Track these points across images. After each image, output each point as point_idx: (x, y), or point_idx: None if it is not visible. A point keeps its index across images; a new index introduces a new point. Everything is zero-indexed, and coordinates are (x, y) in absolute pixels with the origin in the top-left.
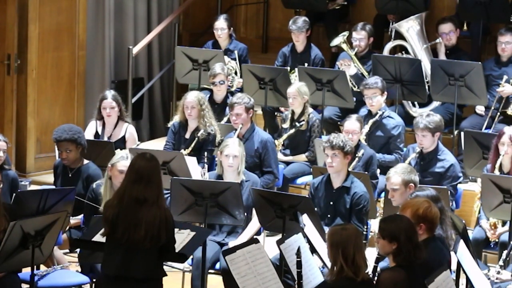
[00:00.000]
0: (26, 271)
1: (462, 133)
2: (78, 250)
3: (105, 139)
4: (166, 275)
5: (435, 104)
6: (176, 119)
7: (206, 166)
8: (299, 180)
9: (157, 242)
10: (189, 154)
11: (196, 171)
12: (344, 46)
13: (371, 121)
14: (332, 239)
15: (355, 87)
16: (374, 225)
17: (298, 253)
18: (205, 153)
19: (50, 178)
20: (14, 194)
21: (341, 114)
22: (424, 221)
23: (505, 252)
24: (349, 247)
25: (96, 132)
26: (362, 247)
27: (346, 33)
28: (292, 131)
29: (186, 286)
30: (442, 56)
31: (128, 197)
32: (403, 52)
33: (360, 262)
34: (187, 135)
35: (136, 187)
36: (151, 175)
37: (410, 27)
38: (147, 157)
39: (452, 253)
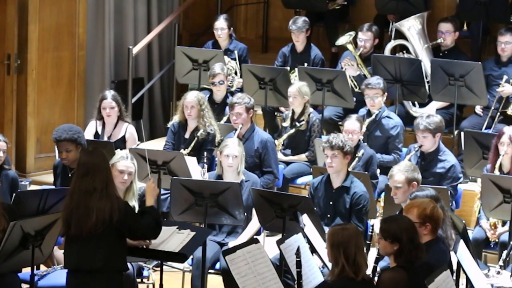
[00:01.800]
0: (26, 271)
1: (462, 133)
2: None
3: (105, 139)
4: (128, 269)
5: (435, 104)
6: (175, 119)
7: (206, 166)
8: (299, 180)
9: (109, 224)
10: (189, 154)
11: (196, 171)
12: (350, 46)
13: (367, 121)
14: (333, 239)
15: (356, 87)
16: (376, 225)
17: (298, 253)
18: (205, 153)
19: (50, 178)
20: (14, 194)
21: (341, 114)
22: (430, 221)
23: (505, 252)
24: (351, 247)
25: (96, 132)
26: (362, 246)
27: (352, 33)
28: (292, 131)
29: (186, 286)
30: None
31: (78, 192)
32: (404, 51)
33: (361, 262)
34: (187, 135)
35: (85, 180)
36: (96, 166)
37: (411, 26)
38: (90, 150)
39: (452, 253)
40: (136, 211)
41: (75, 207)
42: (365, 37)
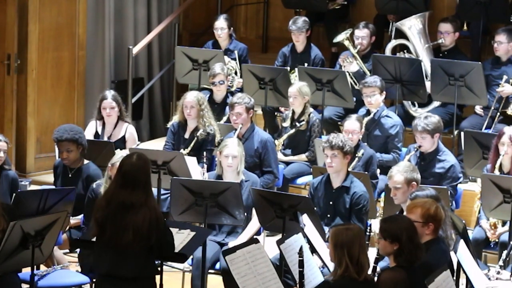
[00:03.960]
0: (26, 271)
1: (462, 133)
2: (78, 250)
3: (105, 139)
4: (159, 273)
5: (435, 104)
6: (175, 119)
7: (205, 166)
8: (299, 180)
9: (147, 243)
10: (189, 154)
11: (196, 171)
12: (347, 43)
13: (365, 120)
14: (336, 240)
15: (356, 84)
16: (374, 225)
17: (300, 252)
18: (205, 153)
19: (50, 178)
20: (14, 194)
21: (341, 114)
22: (433, 221)
23: (505, 252)
24: (355, 247)
25: (96, 132)
26: (365, 246)
27: (349, 30)
28: (292, 131)
29: (186, 286)
30: None
31: (115, 200)
32: (405, 51)
33: (364, 262)
34: (187, 135)
35: (123, 191)
36: (136, 179)
37: (412, 25)
38: (133, 159)
39: (452, 253)
40: None
41: (112, 215)
42: (362, 34)
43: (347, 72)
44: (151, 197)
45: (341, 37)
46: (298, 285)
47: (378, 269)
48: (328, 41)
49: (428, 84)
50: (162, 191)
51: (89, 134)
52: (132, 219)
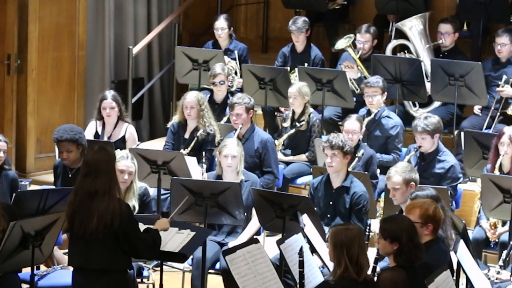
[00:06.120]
0: (26, 271)
1: (462, 133)
2: None
3: (105, 139)
4: (132, 268)
5: (436, 104)
6: (175, 119)
7: (205, 166)
8: (299, 180)
9: (110, 230)
10: (189, 154)
11: (196, 171)
12: (350, 50)
13: (366, 120)
14: (336, 240)
15: (357, 90)
16: (374, 225)
17: (301, 253)
18: (203, 153)
19: (50, 178)
20: (14, 194)
21: (341, 114)
22: (432, 221)
23: (505, 252)
24: (354, 247)
25: (96, 132)
26: (365, 247)
27: (352, 36)
28: (292, 131)
29: (186, 286)
30: None
31: (81, 191)
32: (406, 51)
33: (364, 262)
34: (187, 135)
35: (87, 180)
36: (99, 167)
37: (413, 26)
38: (95, 149)
39: (452, 253)
40: (136, 211)
41: (78, 206)
42: (364, 39)
43: (349, 78)
44: (115, 187)
45: (343, 43)
46: (298, 286)
47: (378, 269)
48: (328, 41)
49: (428, 84)
50: (162, 191)
51: (89, 134)
52: (97, 206)
